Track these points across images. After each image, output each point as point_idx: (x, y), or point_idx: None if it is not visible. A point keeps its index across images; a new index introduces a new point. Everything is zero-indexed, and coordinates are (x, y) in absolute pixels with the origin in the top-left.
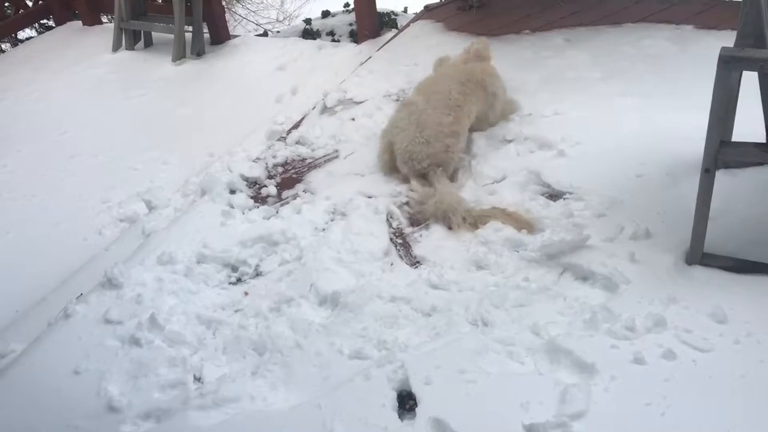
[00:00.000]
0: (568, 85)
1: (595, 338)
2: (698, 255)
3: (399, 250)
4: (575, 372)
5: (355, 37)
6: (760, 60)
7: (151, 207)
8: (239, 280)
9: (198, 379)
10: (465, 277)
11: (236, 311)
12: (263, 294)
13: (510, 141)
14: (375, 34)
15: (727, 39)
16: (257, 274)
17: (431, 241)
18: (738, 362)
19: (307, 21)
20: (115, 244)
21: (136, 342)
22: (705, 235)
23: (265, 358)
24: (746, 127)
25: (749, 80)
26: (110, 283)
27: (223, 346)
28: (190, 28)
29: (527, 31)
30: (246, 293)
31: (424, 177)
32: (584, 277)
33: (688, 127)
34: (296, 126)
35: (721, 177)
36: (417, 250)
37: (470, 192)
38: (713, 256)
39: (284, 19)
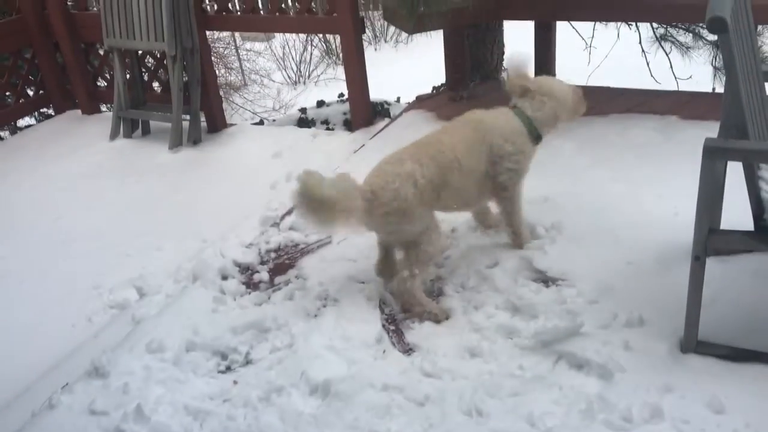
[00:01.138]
0: (557, 171)
1: (591, 429)
2: (693, 343)
3: (391, 337)
4: None
5: (349, 125)
6: (743, 151)
7: (142, 293)
8: (228, 368)
9: None
10: (458, 365)
11: (225, 401)
12: (253, 383)
13: (500, 227)
14: (368, 122)
15: (711, 129)
16: (247, 362)
17: (424, 327)
18: None
19: (303, 110)
20: (104, 332)
21: None
22: (699, 323)
23: None
24: (735, 214)
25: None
26: (97, 372)
27: None
28: (188, 117)
29: None
30: (235, 382)
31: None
32: (579, 365)
33: (677, 213)
34: (290, 212)
35: (712, 264)
36: (410, 337)
37: (463, 275)
38: (708, 344)
39: (280, 108)
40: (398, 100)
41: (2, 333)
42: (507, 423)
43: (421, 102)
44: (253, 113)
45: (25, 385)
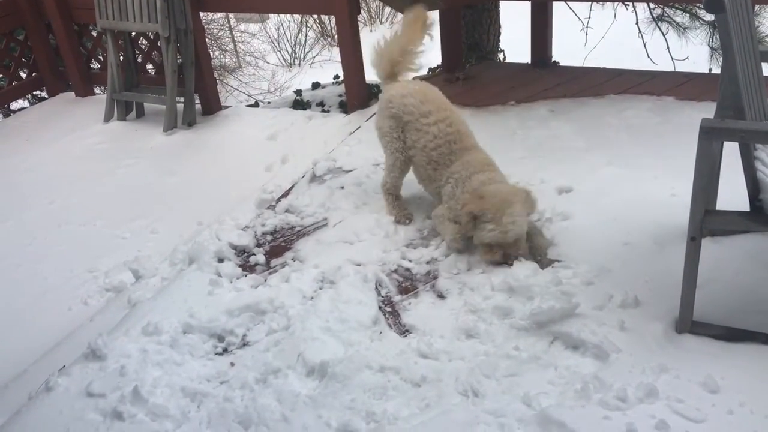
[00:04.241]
0: (554, 154)
1: (587, 409)
2: (688, 323)
3: (388, 319)
4: None
5: (345, 107)
6: (740, 131)
7: (137, 276)
8: (225, 350)
9: None
10: (455, 346)
11: (222, 383)
12: (250, 365)
13: None
14: (364, 104)
15: (708, 110)
16: (244, 344)
17: (420, 309)
18: None
19: (298, 92)
20: (99, 315)
21: (118, 416)
22: (694, 303)
23: (250, 431)
24: (731, 195)
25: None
26: (93, 355)
27: (208, 420)
28: (182, 99)
29: (512, 102)
30: (232, 364)
31: None
32: (575, 345)
33: (673, 195)
34: (285, 194)
35: (708, 245)
36: (406, 319)
37: (459, 257)
38: (703, 324)
39: (275, 90)
40: None
41: None
42: (503, 403)
43: None
44: (248, 95)
45: (22, 367)
